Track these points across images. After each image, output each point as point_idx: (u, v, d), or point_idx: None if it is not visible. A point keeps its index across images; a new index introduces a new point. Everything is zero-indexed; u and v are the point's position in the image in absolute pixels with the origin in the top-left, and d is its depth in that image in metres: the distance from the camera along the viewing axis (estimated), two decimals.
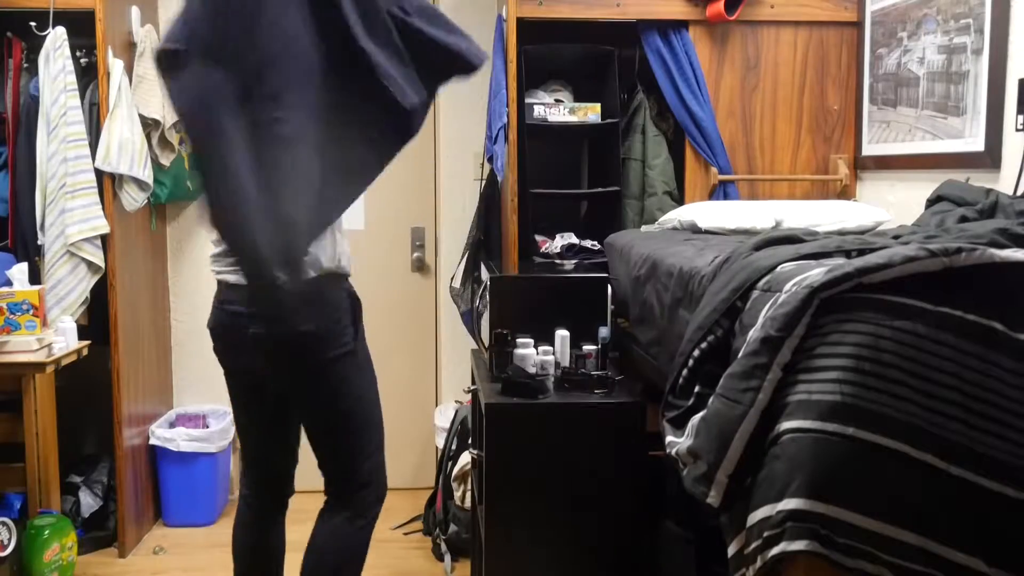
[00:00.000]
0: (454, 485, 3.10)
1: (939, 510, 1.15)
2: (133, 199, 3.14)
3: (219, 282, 2.01)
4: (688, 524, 2.02)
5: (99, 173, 3.07)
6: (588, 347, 2.38)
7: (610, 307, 2.43)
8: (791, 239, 1.59)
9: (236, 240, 1.76)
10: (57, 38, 3.01)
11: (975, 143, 2.37)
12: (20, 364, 2.78)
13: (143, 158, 3.14)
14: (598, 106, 3.04)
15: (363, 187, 1.91)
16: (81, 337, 3.05)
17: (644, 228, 2.97)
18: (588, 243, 3.03)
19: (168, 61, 1.69)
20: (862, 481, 1.15)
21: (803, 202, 2.89)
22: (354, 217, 3.62)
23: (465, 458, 3.03)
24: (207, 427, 3.55)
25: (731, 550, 1.30)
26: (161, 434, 3.41)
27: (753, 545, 1.21)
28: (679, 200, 3.09)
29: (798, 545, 1.15)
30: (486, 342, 2.50)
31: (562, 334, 2.40)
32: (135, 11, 3.28)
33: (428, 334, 3.81)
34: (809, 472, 1.15)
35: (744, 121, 3.11)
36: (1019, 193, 2.09)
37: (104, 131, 3.05)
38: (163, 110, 3.24)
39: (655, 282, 2.08)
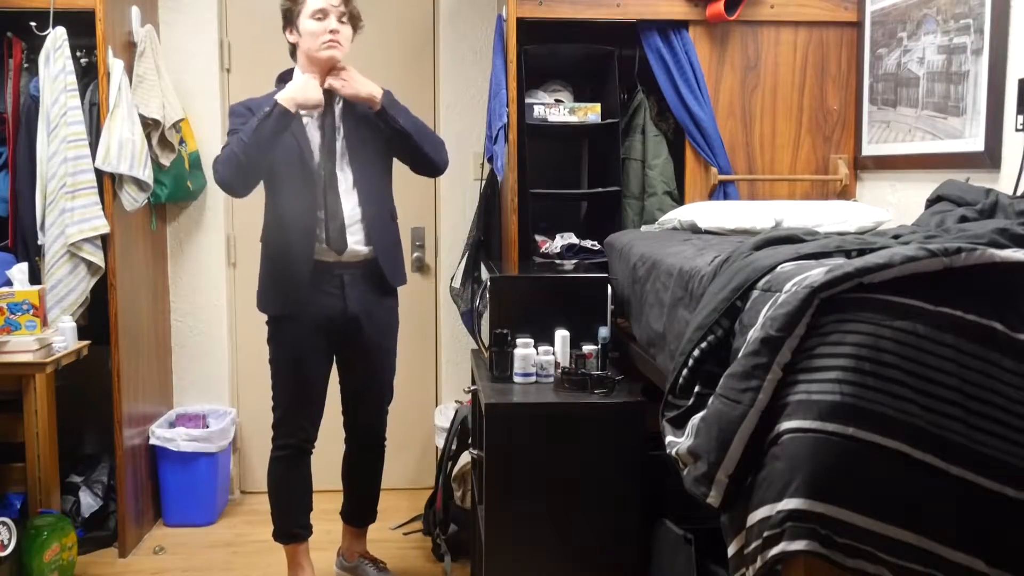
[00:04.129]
0: (454, 485, 3.09)
1: (939, 510, 1.15)
2: (133, 199, 3.14)
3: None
4: (688, 524, 2.02)
5: (99, 173, 3.07)
6: (588, 347, 2.38)
7: (610, 307, 2.43)
8: (791, 239, 1.59)
9: None
10: (57, 38, 3.01)
11: (975, 143, 2.37)
12: (20, 364, 2.78)
13: (143, 158, 3.14)
14: (598, 106, 3.04)
15: None
16: (81, 337, 3.05)
17: (644, 228, 2.97)
18: (588, 243, 3.03)
19: None
20: (862, 481, 1.15)
21: (803, 202, 2.89)
22: None
23: (465, 458, 3.03)
24: (207, 427, 3.55)
25: (731, 550, 1.30)
26: (161, 434, 3.41)
27: (753, 545, 1.21)
28: (679, 200, 3.09)
29: (798, 545, 1.15)
30: (486, 342, 2.50)
31: (562, 334, 2.40)
32: (135, 11, 3.28)
33: (428, 334, 3.81)
34: (809, 472, 1.15)
35: (744, 121, 3.11)
36: (1019, 193, 2.09)
37: (104, 131, 3.05)
38: (163, 110, 3.24)
39: (655, 282, 2.08)
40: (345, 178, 2.61)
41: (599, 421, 2.19)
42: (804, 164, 3.12)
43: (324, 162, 2.58)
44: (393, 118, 2.55)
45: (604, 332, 2.39)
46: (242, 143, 2.45)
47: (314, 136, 2.58)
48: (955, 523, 1.16)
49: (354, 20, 2.62)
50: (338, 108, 2.60)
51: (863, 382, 1.17)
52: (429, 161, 2.66)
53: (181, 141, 3.41)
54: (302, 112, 2.55)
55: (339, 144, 2.60)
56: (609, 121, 3.03)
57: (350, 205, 2.61)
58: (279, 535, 2.81)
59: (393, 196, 2.76)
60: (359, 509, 2.97)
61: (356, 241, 2.62)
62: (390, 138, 2.61)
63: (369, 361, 2.77)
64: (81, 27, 3.06)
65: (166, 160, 3.30)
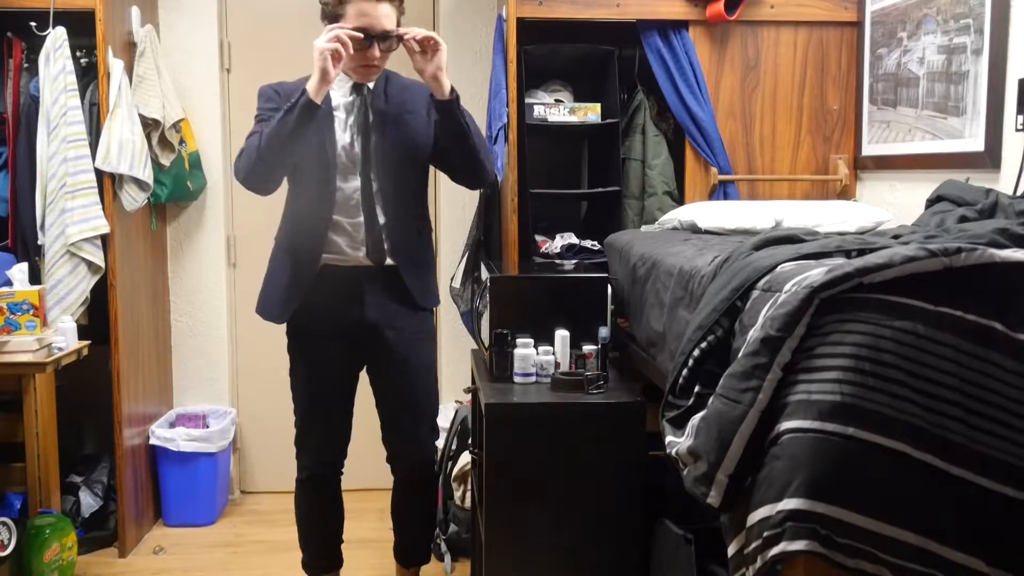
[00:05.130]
0: (454, 485, 3.10)
1: (939, 510, 1.15)
2: (133, 199, 3.15)
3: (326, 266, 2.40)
4: (688, 524, 2.02)
5: (99, 173, 3.07)
6: (588, 347, 2.37)
7: (610, 307, 2.43)
8: (791, 239, 1.59)
9: None
10: (57, 38, 3.01)
11: (975, 143, 2.37)
12: (20, 364, 2.78)
13: (143, 158, 3.14)
14: (598, 106, 3.04)
15: None
16: (81, 337, 3.05)
17: (644, 228, 2.97)
18: (588, 243, 3.03)
19: None
20: (862, 481, 1.15)
21: (803, 202, 2.89)
22: None
23: (465, 458, 3.03)
24: (207, 427, 3.55)
25: (731, 550, 1.30)
26: (161, 434, 3.41)
27: (753, 545, 1.21)
28: (679, 200, 3.09)
29: (798, 545, 1.15)
30: (486, 342, 2.50)
31: (562, 334, 2.39)
32: (135, 11, 3.28)
33: None
34: (809, 472, 1.15)
35: (744, 121, 3.11)
36: (1019, 193, 2.09)
37: (104, 131, 3.05)
38: (163, 110, 3.24)
39: (655, 282, 2.08)
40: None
41: (599, 421, 2.19)
42: (804, 164, 3.12)
43: (362, 166, 2.38)
44: (462, 111, 2.32)
45: (604, 332, 2.39)
46: (263, 137, 2.25)
47: (342, 137, 2.36)
48: (955, 523, 1.16)
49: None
50: (371, 110, 2.38)
51: (863, 382, 1.17)
52: (481, 168, 2.41)
53: (181, 141, 3.41)
54: (334, 103, 2.36)
55: (371, 147, 2.39)
56: (609, 121, 3.03)
57: None
58: (304, 565, 2.67)
59: (427, 212, 2.57)
60: (405, 549, 2.76)
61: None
62: (444, 136, 2.37)
63: (399, 376, 2.52)
64: (81, 27, 3.07)
65: (166, 160, 3.30)
